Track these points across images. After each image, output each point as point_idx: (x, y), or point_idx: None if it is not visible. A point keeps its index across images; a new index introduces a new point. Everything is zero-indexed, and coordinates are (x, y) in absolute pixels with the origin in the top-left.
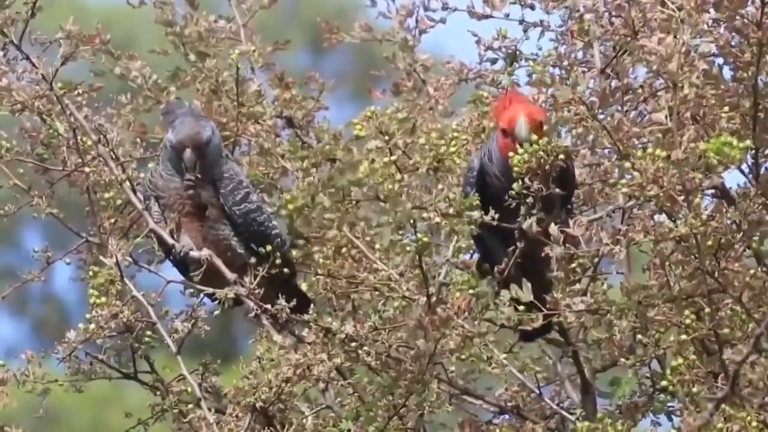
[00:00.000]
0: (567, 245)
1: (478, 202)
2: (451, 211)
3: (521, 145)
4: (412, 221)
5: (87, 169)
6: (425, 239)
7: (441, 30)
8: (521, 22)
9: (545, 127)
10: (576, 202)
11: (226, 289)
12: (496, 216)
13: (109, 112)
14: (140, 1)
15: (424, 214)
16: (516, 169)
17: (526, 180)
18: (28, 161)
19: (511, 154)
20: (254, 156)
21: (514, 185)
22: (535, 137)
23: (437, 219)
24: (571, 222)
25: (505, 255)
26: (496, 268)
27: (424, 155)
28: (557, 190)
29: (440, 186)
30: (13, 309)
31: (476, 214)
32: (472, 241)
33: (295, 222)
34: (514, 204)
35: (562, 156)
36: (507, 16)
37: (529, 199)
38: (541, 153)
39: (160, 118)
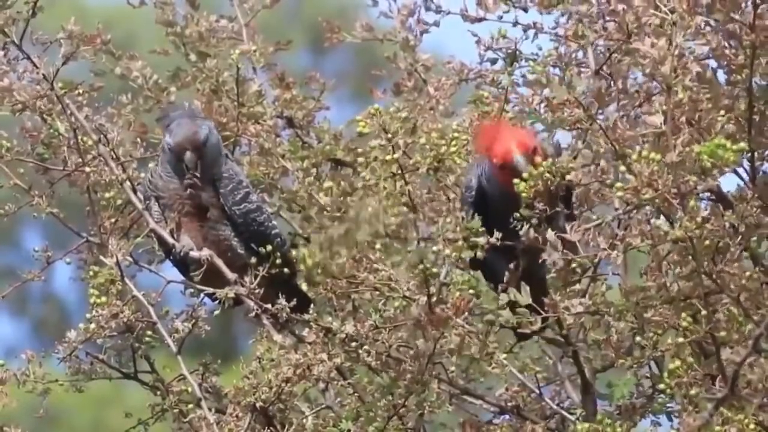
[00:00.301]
0: (565, 251)
1: (482, 227)
2: (456, 237)
3: (521, 177)
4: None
5: (87, 169)
6: (435, 270)
7: (442, 30)
8: (515, 24)
9: (538, 147)
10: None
11: (226, 289)
12: (499, 236)
13: (110, 112)
14: (141, 1)
15: (434, 248)
16: (524, 195)
17: (534, 203)
18: (29, 161)
19: (516, 180)
20: (254, 156)
21: (522, 210)
22: (538, 159)
23: (447, 251)
24: (568, 227)
25: (505, 267)
26: (500, 287)
27: (424, 155)
28: (564, 209)
29: (448, 219)
30: (13, 309)
31: (482, 240)
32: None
33: (314, 276)
34: (519, 226)
35: (569, 177)
36: (500, 18)
37: (534, 220)
38: (547, 175)
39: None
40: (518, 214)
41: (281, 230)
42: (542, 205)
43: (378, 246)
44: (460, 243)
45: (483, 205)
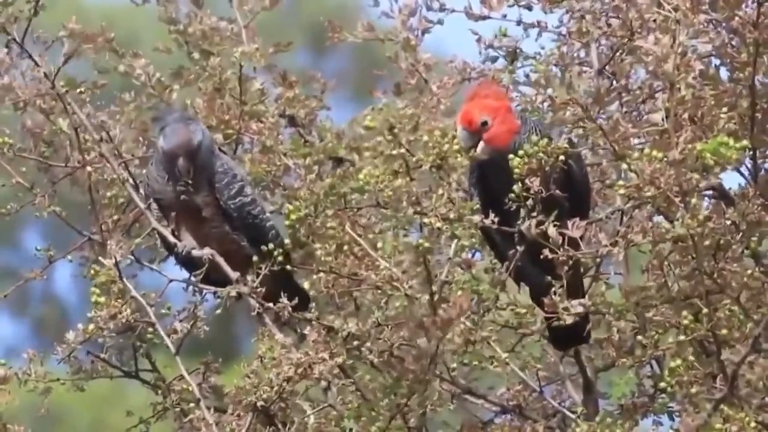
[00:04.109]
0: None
1: (478, 206)
2: (451, 215)
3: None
4: (412, 225)
5: (89, 168)
6: (426, 244)
7: (443, 29)
8: (519, 23)
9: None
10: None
11: (228, 288)
12: (497, 219)
13: (112, 110)
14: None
15: (425, 219)
16: (517, 170)
17: (527, 180)
18: (31, 158)
19: (511, 156)
20: (256, 154)
21: (515, 188)
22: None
23: (438, 224)
24: (569, 224)
25: (512, 249)
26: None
27: (427, 152)
28: (558, 192)
29: (440, 191)
30: (14, 309)
31: (477, 218)
32: (473, 239)
33: (298, 231)
34: (514, 206)
35: (562, 157)
36: (504, 17)
37: (530, 201)
38: (541, 154)
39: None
40: (513, 194)
41: (276, 225)
42: (537, 185)
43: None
44: (453, 219)
45: (485, 182)
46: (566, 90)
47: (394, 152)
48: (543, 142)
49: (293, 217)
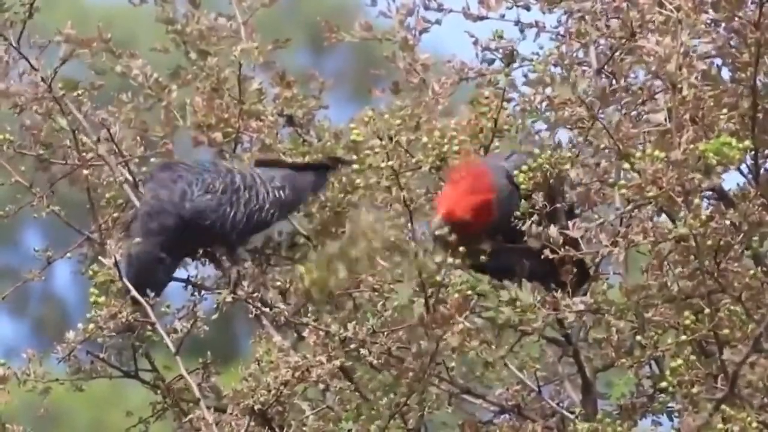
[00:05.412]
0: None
1: None
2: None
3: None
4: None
5: (86, 171)
6: (437, 278)
7: (441, 29)
8: (517, 23)
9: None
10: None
11: (224, 293)
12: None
13: (110, 110)
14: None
15: (437, 258)
16: (523, 186)
17: (532, 195)
18: (31, 153)
19: (515, 171)
20: (256, 152)
21: (522, 203)
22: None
23: (450, 260)
24: (570, 224)
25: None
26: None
27: (427, 154)
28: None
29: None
30: (13, 309)
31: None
32: None
33: (313, 293)
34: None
35: (567, 166)
36: (502, 17)
37: (535, 217)
38: (546, 166)
39: (162, 113)
40: (520, 211)
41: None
42: (542, 199)
43: (379, 260)
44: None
45: None
46: (570, 89)
47: (383, 165)
48: (546, 154)
49: (307, 279)
